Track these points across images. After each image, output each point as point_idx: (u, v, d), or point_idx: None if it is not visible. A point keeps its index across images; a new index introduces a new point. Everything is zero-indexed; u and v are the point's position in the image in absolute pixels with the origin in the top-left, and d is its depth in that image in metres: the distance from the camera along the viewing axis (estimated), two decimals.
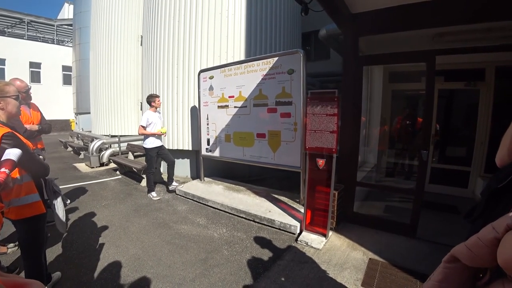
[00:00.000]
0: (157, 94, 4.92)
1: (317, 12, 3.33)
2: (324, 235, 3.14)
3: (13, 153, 1.52)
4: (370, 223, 3.46)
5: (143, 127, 4.65)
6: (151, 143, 4.70)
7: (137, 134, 9.41)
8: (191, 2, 5.42)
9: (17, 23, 19.58)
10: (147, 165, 4.92)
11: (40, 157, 2.13)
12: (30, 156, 1.83)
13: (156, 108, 4.76)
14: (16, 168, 1.67)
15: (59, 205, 2.14)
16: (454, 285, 0.79)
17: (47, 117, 3.76)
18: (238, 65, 4.43)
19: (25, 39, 18.84)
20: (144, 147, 4.82)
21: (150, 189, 4.91)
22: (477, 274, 0.78)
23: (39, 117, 3.41)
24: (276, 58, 3.93)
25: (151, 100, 4.69)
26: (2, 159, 1.50)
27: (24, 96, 3.06)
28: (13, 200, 1.76)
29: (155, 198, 4.76)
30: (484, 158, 4.46)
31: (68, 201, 4.02)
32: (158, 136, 4.76)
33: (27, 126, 3.07)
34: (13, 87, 1.83)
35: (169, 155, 4.98)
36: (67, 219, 3.79)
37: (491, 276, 0.72)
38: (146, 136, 4.68)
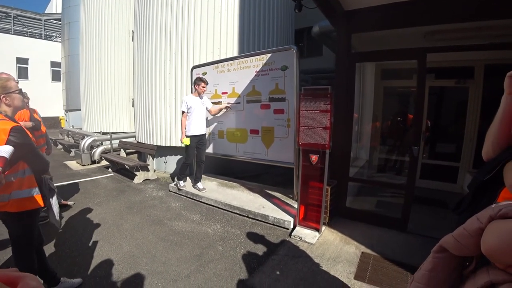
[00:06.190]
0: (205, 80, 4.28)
1: (310, 8, 3.34)
2: (318, 230, 3.18)
3: (5, 151, 1.50)
4: (362, 217, 3.52)
5: (183, 112, 4.23)
6: (189, 130, 4.22)
7: (129, 131, 9.41)
8: None
9: (3, 17, 18.96)
10: (185, 155, 4.45)
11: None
12: (34, 151, 1.87)
13: (199, 93, 4.27)
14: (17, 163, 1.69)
15: (54, 202, 2.15)
16: (442, 273, 0.82)
17: None
18: (231, 61, 4.41)
19: (11, 33, 18.27)
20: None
21: (179, 177, 4.65)
22: (464, 263, 0.82)
23: (29, 114, 3.37)
24: (269, 55, 3.93)
25: (195, 83, 4.26)
26: None
27: None
28: (14, 192, 1.77)
29: (181, 187, 4.62)
30: (472, 154, 4.58)
31: (61, 200, 4.01)
32: (201, 123, 4.33)
33: (21, 123, 3.02)
34: (14, 82, 1.87)
35: (203, 153, 4.53)
36: (61, 217, 3.75)
37: (477, 264, 0.76)
38: (188, 122, 4.24)
